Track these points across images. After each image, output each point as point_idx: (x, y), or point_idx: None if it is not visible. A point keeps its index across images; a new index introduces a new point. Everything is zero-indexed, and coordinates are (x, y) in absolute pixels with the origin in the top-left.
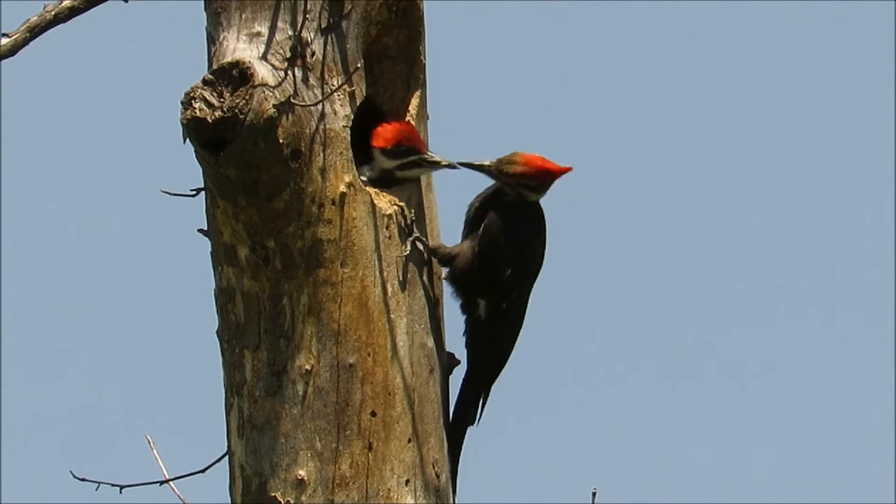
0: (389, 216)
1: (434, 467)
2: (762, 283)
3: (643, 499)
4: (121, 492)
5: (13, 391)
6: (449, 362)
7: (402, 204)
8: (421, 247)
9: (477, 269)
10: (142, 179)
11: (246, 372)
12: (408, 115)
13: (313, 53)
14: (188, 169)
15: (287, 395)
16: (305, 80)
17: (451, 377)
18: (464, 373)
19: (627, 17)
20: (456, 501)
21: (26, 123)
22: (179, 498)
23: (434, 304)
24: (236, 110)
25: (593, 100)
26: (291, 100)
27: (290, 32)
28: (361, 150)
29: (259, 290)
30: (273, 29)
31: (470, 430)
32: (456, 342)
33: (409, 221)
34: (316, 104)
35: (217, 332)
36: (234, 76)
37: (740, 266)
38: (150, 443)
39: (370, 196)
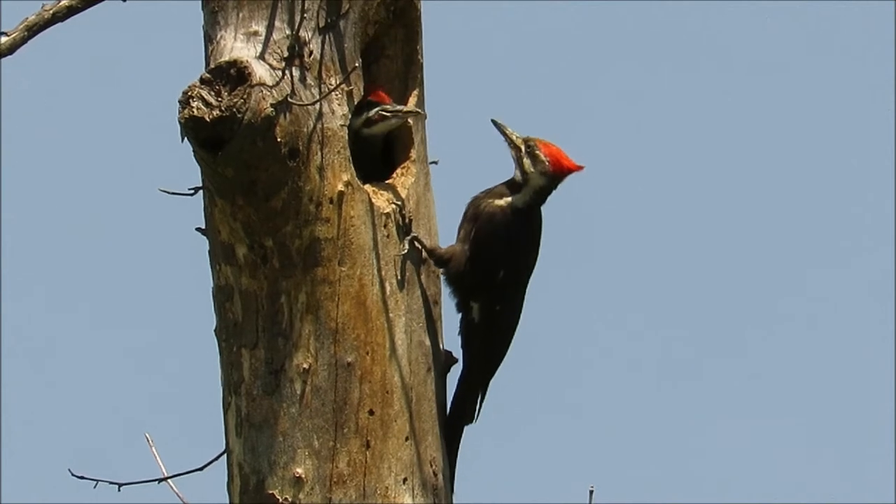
0: (387, 215)
1: (432, 466)
2: (762, 284)
3: (643, 499)
4: (119, 490)
5: (13, 391)
6: (446, 361)
7: (399, 203)
8: (419, 246)
9: (470, 271)
10: (140, 178)
11: (244, 370)
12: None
13: (311, 53)
14: (186, 168)
15: (285, 394)
16: (303, 79)
17: (448, 376)
18: (460, 371)
19: (627, 16)
20: (454, 500)
21: (25, 122)
22: (178, 496)
23: (432, 303)
24: (234, 109)
25: (593, 99)
26: (289, 99)
27: (288, 32)
28: None
29: (257, 289)
30: (271, 28)
31: (468, 428)
32: (453, 341)
33: (406, 220)
34: (314, 103)
35: (215, 330)
36: (231, 75)
37: (739, 267)
38: (148, 441)
39: (368, 195)
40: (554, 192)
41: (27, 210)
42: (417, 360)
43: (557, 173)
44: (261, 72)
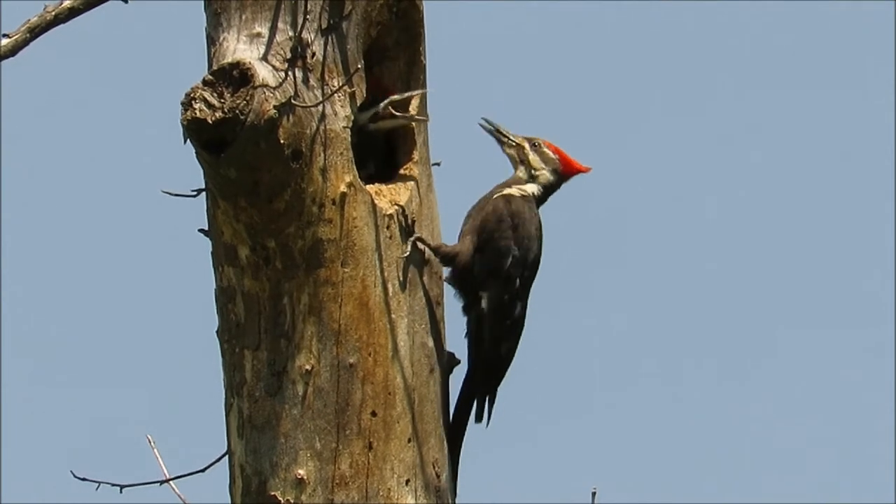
0: (390, 216)
1: (434, 467)
2: (760, 286)
3: (643, 499)
4: (121, 491)
5: (13, 391)
6: (449, 362)
7: (402, 204)
8: (422, 247)
9: (479, 261)
10: (143, 180)
11: (246, 372)
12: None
13: (314, 54)
14: (189, 169)
15: (287, 395)
16: (306, 80)
17: (451, 377)
18: (464, 374)
19: (627, 16)
20: (456, 502)
21: (27, 124)
22: (179, 497)
23: (434, 304)
24: (237, 111)
25: (594, 99)
26: (292, 100)
27: (291, 33)
28: None
29: (259, 290)
30: (273, 30)
31: (474, 430)
32: (456, 342)
33: (409, 221)
34: (316, 105)
35: (217, 331)
36: (234, 77)
37: (735, 269)
38: (150, 442)
39: (371, 196)
40: (555, 194)
41: (29, 211)
42: (420, 361)
43: (566, 172)
44: (263, 73)
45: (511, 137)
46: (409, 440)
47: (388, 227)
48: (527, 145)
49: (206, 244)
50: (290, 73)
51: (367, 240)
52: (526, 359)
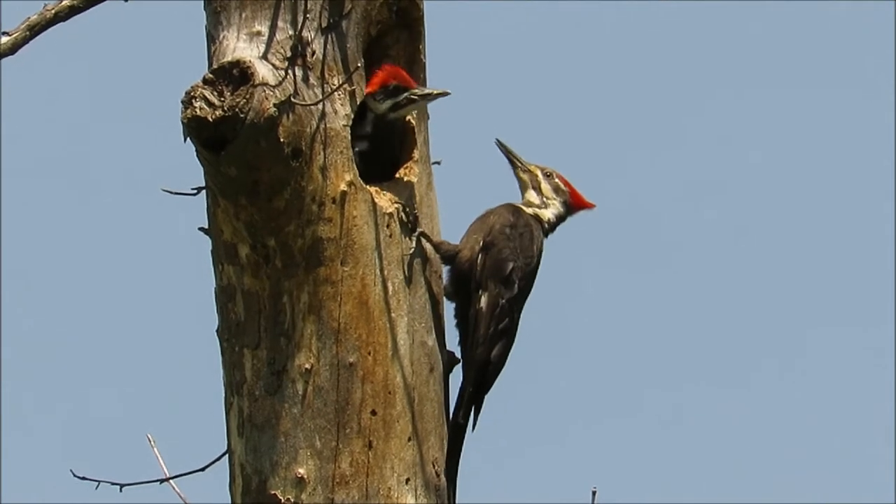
0: (390, 214)
1: (434, 466)
2: (760, 289)
3: (643, 499)
4: (121, 490)
5: (13, 391)
6: (449, 361)
7: (403, 201)
8: (425, 242)
9: (481, 261)
10: (143, 178)
11: (246, 371)
12: (408, 116)
13: (314, 53)
14: (189, 168)
15: (287, 394)
16: (306, 79)
17: (451, 376)
18: (461, 378)
19: (627, 16)
20: (456, 502)
21: (26, 122)
22: (179, 496)
23: (434, 303)
24: (237, 109)
25: (594, 99)
26: (292, 99)
27: (291, 32)
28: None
29: (259, 289)
30: (273, 28)
31: (471, 433)
32: (456, 340)
33: (412, 217)
34: (316, 103)
35: (217, 330)
36: (234, 75)
37: (734, 269)
38: (150, 441)
39: (371, 195)
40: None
41: (29, 210)
42: (420, 360)
43: (575, 205)
44: (263, 72)
45: (524, 163)
46: (409, 439)
47: (388, 226)
48: (539, 173)
49: (206, 242)
50: (289, 71)
51: (367, 238)
52: (526, 359)
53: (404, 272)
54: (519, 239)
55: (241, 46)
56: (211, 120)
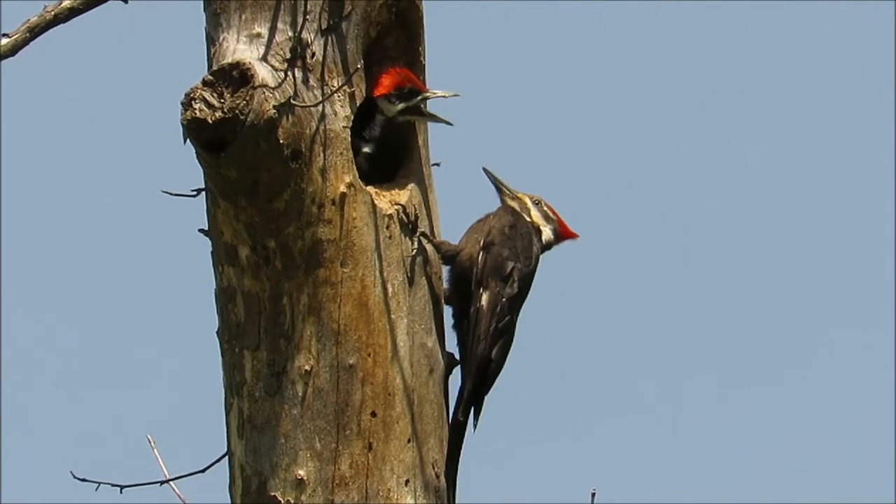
0: (390, 216)
1: (434, 467)
2: (760, 289)
3: (643, 499)
4: (121, 492)
5: (13, 391)
6: (449, 362)
7: (403, 203)
8: (425, 242)
9: (483, 259)
10: (143, 180)
11: (246, 372)
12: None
13: (313, 54)
14: (189, 169)
15: (287, 396)
16: (305, 80)
17: (450, 378)
18: (460, 380)
19: (627, 16)
20: (456, 502)
21: (27, 123)
22: (179, 498)
23: (434, 304)
24: (236, 111)
25: (594, 98)
26: (291, 101)
27: (290, 33)
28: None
29: (259, 290)
30: (273, 30)
31: (471, 432)
32: (455, 342)
33: (413, 217)
34: (316, 105)
35: (217, 332)
36: (234, 77)
37: (732, 271)
38: (150, 443)
39: (371, 196)
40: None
41: (29, 211)
42: (419, 361)
43: (562, 234)
44: (263, 73)
45: (512, 191)
46: (409, 440)
47: (387, 228)
48: (528, 201)
49: (207, 244)
50: (289, 73)
51: (367, 240)
52: (526, 359)
53: (405, 273)
54: (520, 240)
55: (240, 48)
56: (211, 121)
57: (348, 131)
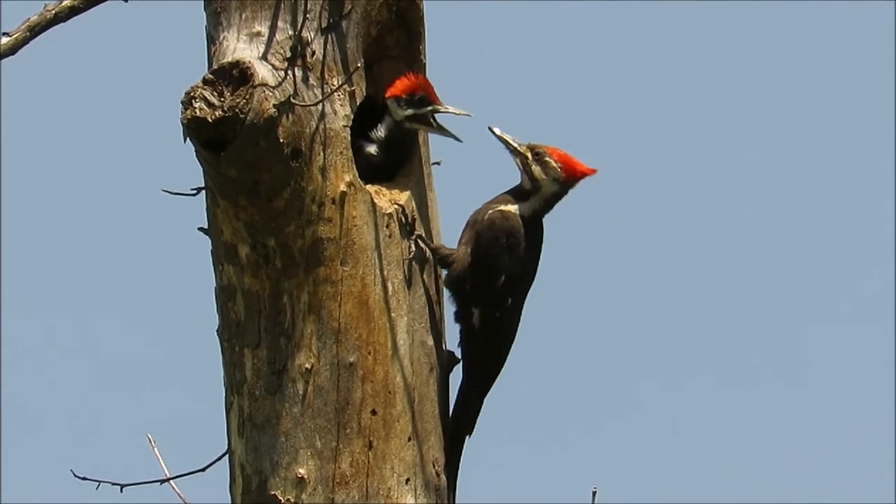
0: (390, 215)
1: (434, 466)
2: (760, 289)
3: (643, 499)
4: (121, 490)
5: (15, 391)
6: (449, 361)
7: (402, 203)
8: (422, 245)
9: (471, 276)
10: (143, 179)
11: (246, 370)
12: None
13: (313, 53)
14: (189, 168)
15: (287, 394)
16: (305, 79)
17: (451, 376)
18: (460, 381)
19: (628, 16)
20: (456, 502)
21: (27, 122)
22: (180, 497)
23: (434, 303)
24: (237, 110)
25: (595, 99)
26: (291, 99)
27: (291, 32)
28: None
29: (259, 289)
30: (273, 29)
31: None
32: (456, 340)
33: (410, 219)
34: (316, 104)
35: (217, 330)
36: (234, 76)
37: (733, 271)
38: (150, 441)
39: (370, 195)
40: (564, 199)
41: (29, 210)
42: (420, 360)
43: (570, 179)
44: (263, 72)
45: (516, 146)
46: (409, 439)
47: (387, 226)
48: (530, 155)
49: (206, 243)
50: (289, 72)
51: (367, 239)
52: (526, 359)
53: (404, 273)
54: (508, 251)
55: (240, 47)
56: (211, 120)
57: (348, 130)
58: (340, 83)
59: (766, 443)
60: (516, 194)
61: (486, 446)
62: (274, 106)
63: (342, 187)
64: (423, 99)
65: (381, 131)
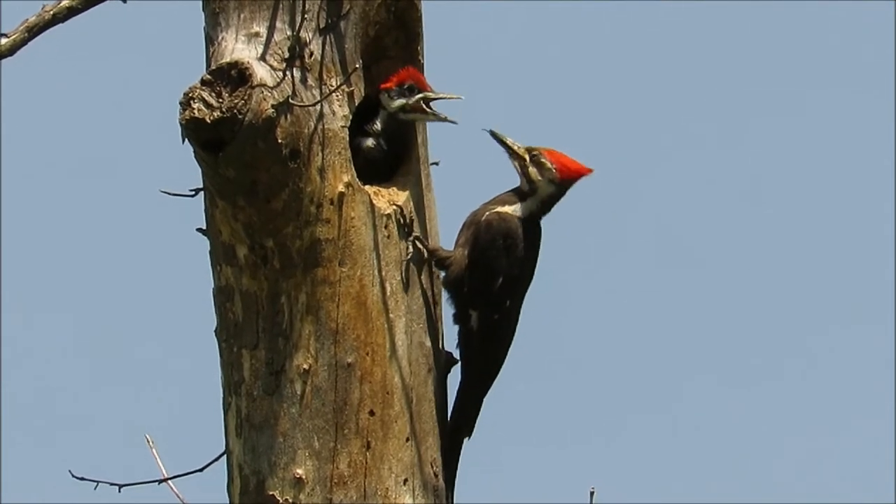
0: (388, 216)
1: (432, 466)
2: (761, 288)
3: (643, 499)
4: (119, 491)
5: (14, 392)
6: (447, 362)
7: (400, 204)
8: (420, 246)
9: (468, 278)
10: (141, 179)
11: (244, 371)
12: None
13: (312, 54)
14: (187, 169)
15: (285, 395)
16: (304, 80)
17: (449, 377)
18: (459, 382)
19: (628, 16)
20: (454, 503)
21: (25, 123)
22: (178, 497)
23: (432, 304)
24: (235, 110)
25: (594, 99)
26: (290, 100)
27: (289, 33)
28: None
29: (257, 290)
30: (271, 29)
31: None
32: (454, 341)
33: (408, 220)
34: (314, 104)
35: (215, 331)
36: (232, 76)
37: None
38: (148, 442)
39: (369, 196)
40: (562, 199)
41: (27, 211)
42: (418, 360)
43: (566, 179)
44: (261, 73)
45: (515, 149)
46: (407, 439)
47: (385, 227)
48: (527, 157)
49: (205, 243)
50: (288, 72)
51: (365, 239)
52: (526, 359)
53: (402, 274)
54: (505, 253)
55: (239, 47)
56: (209, 121)
57: (346, 131)
58: (339, 84)
59: (766, 443)
60: (515, 196)
61: (486, 446)
62: (272, 106)
63: (340, 188)
64: (413, 87)
65: (377, 125)
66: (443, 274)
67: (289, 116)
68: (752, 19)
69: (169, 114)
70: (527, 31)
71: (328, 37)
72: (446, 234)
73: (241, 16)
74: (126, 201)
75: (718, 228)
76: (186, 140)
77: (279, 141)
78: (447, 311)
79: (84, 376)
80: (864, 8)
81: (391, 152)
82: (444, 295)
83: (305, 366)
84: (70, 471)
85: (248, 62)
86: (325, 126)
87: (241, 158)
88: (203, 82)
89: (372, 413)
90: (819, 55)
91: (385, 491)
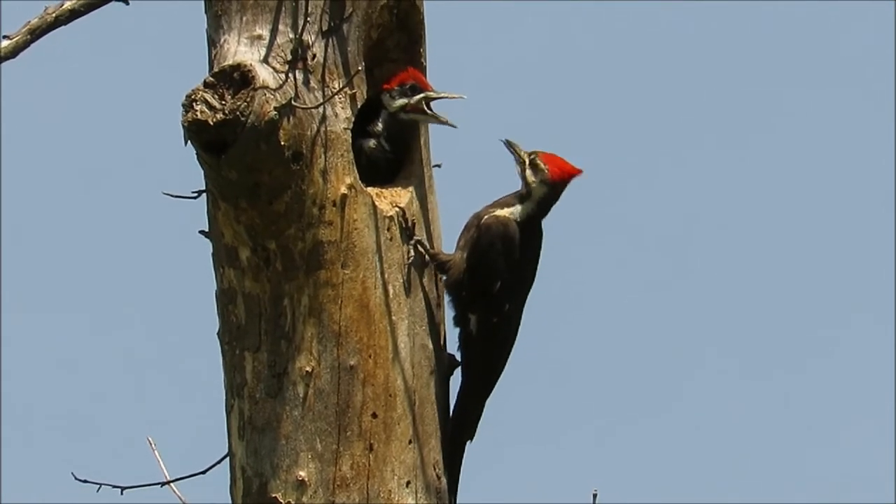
0: (390, 218)
1: (435, 469)
2: (761, 289)
3: (643, 499)
4: (122, 493)
5: (15, 392)
6: (449, 364)
7: (402, 206)
8: (421, 250)
9: (468, 282)
10: (143, 182)
11: (246, 373)
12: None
13: (314, 56)
14: (190, 171)
15: (288, 397)
16: (306, 82)
17: (451, 379)
18: (459, 386)
19: (628, 17)
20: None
21: (27, 125)
22: (180, 499)
23: (434, 306)
24: (237, 113)
25: (595, 101)
26: (292, 102)
27: (291, 35)
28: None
29: (260, 292)
30: (274, 32)
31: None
32: (456, 344)
33: (410, 223)
34: (317, 107)
35: (218, 333)
36: (235, 79)
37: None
38: (151, 444)
39: (371, 198)
40: (558, 202)
41: (30, 212)
42: (420, 362)
43: (557, 181)
44: (264, 75)
45: (520, 154)
46: (410, 442)
47: (388, 229)
48: (527, 160)
49: (207, 246)
50: (290, 74)
51: (368, 242)
52: (526, 359)
53: (404, 276)
54: (504, 257)
55: (241, 50)
56: (212, 123)
57: (349, 133)
58: (341, 86)
59: (766, 443)
60: (515, 198)
61: (487, 447)
62: (275, 109)
63: (343, 190)
64: (415, 87)
65: (378, 126)
66: (443, 277)
67: (291, 119)
68: (752, 19)
69: (171, 116)
70: (529, 33)
71: (331, 39)
72: (449, 236)
73: (244, 18)
74: (128, 203)
75: (718, 228)
76: (189, 142)
77: (282, 143)
78: (448, 313)
79: (86, 378)
80: (864, 8)
81: (393, 153)
82: (446, 298)
83: (308, 368)
84: (73, 473)
85: (251, 64)
86: (328, 128)
87: (244, 160)
88: (206, 84)
89: (374, 415)
90: (819, 55)
91: (388, 493)
